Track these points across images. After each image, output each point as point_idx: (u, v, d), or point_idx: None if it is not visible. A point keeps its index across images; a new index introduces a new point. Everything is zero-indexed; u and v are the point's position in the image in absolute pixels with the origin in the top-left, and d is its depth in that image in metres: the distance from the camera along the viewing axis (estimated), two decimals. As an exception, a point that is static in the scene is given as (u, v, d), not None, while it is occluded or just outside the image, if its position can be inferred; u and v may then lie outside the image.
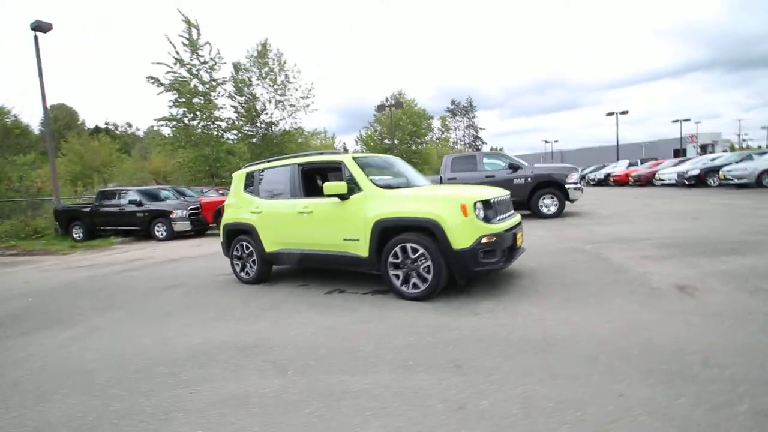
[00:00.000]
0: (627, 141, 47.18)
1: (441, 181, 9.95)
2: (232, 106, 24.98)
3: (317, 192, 4.73)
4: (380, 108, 33.59)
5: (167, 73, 19.99)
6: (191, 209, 11.58)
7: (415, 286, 3.72)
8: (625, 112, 38.15)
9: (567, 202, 9.58)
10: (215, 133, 21.94)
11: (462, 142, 64.09)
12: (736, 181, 13.42)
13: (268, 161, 5.16)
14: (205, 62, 20.80)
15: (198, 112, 20.65)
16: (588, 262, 4.85)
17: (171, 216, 11.30)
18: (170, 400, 2.28)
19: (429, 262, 3.60)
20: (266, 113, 26.58)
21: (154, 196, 12.41)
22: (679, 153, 36.51)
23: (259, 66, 25.98)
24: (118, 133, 58.78)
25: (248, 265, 5.03)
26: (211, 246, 9.38)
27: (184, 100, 20.12)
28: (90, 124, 56.49)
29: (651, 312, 3.03)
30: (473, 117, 67.23)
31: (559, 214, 9.45)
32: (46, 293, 5.50)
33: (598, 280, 4.01)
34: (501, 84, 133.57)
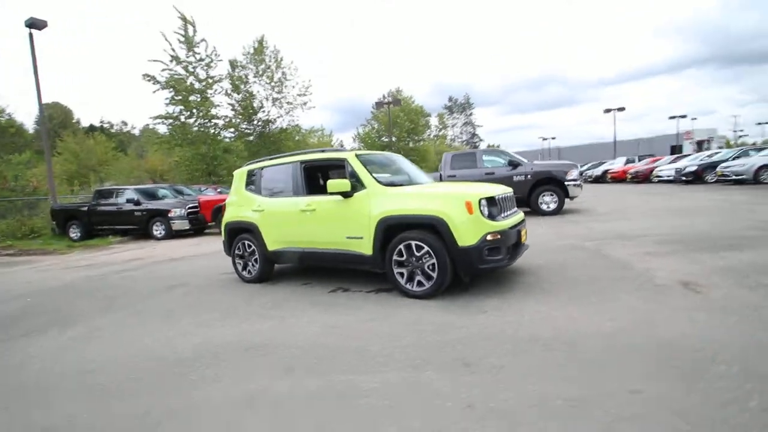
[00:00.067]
0: (623, 137, 47.36)
1: (441, 179, 9.93)
2: (229, 104, 24.88)
3: (320, 190, 4.70)
4: (378, 105, 33.53)
5: (163, 70, 19.90)
6: (190, 208, 11.53)
7: (419, 283, 3.71)
8: (621, 109, 38.29)
9: (567, 199, 9.59)
10: (212, 131, 21.83)
11: (459, 139, 64.12)
12: (733, 177, 13.48)
13: (270, 159, 5.13)
14: (201, 60, 20.67)
15: (194, 110, 20.53)
16: (590, 258, 4.85)
17: (169, 215, 11.25)
18: (179, 401, 2.26)
19: (434, 260, 3.59)
20: (263, 111, 26.48)
21: (152, 195, 12.34)
22: (676, 149, 36.64)
23: (255, 63, 25.86)
24: (113, 131, 58.38)
25: (250, 263, 5.00)
26: (211, 245, 9.35)
27: (180, 97, 20.00)
28: (85, 123, 56.09)
29: (657, 308, 3.03)
30: (470, 114, 67.32)
31: (559, 211, 9.46)
32: (45, 293, 5.46)
33: (602, 276, 4.01)
34: (498, 81, 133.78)
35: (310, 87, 26.48)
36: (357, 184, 4.09)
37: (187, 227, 11.44)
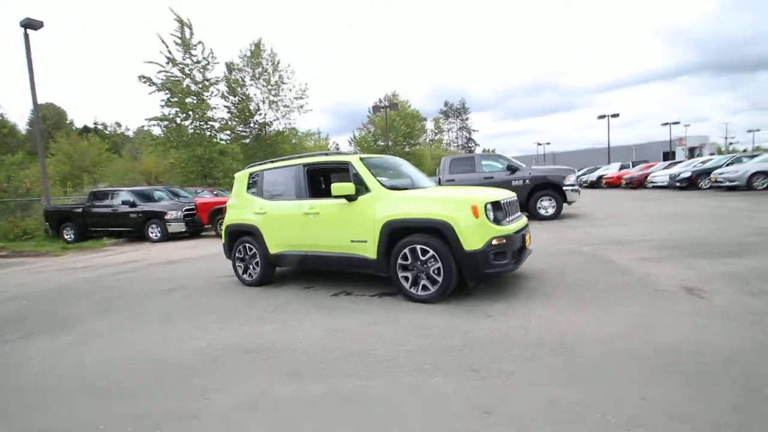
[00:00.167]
0: (617, 143, 47.78)
1: (439, 183, 9.95)
2: (225, 107, 24.80)
3: (323, 193, 4.68)
4: (375, 109, 33.60)
5: (159, 72, 19.77)
6: (186, 210, 11.44)
7: (424, 288, 3.69)
8: (616, 115, 38.69)
9: (564, 204, 9.64)
10: (208, 133, 21.71)
11: (455, 144, 64.36)
12: (727, 183, 13.65)
13: (272, 162, 5.10)
14: (198, 62, 20.59)
15: (190, 112, 20.43)
16: (590, 263, 4.87)
17: (165, 217, 11.15)
18: (181, 406, 2.22)
19: (439, 264, 3.58)
20: (260, 114, 26.43)
21: (147, 197, 12.23)
22: (669, 155, 37.07)
23: (252, 66, 25.83)
24: (107, 133, 57.90)
25: (251, 266, 4.96)
26: (208, 247, 9.27)
27: (176, 99, 19.88)
28: (78, 124, 55.60)
29: (661, 314, 3.04)
30: (466, 119, 67.66)
31: (557, 215, 9.51)
32: (41, 296, 5.37)
33: (604, 281, 4.02)
34: (493, 86, 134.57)
35: (306, 90, 26.53)
36: (361, 188, 4.08)
37: (183, 230, 11.34)
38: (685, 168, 17.26)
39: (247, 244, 4.95)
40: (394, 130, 38.04)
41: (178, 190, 14.57)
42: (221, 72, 24.92)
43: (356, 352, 2.75)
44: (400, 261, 3.78)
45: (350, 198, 4.05)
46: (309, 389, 2.28)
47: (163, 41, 19.64)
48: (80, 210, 12.00)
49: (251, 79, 25.91)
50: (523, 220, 4.24)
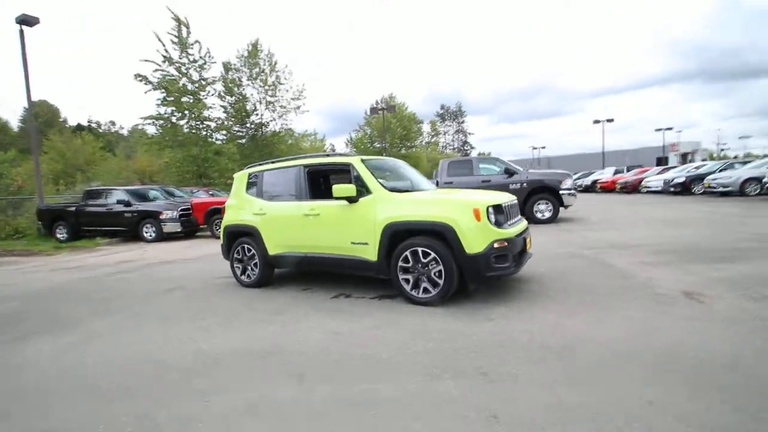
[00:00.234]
0: (611, 148, 48.21)
1: (437, 185, 9.95)
2: (222, 106, 24.69)
3: (323, 194, 4.66)
4: (372, 111, 33.65)
5: (155, 71, 19.64)
6: (182, 210, 11.34)
7: (425, 290, 3.68)
8: (610, 120, 39.08)
9: (561, 208, 9.69)
10: (204, 133, 21.58)
11: (451, 147, 64.55)
12: (720, 189, 13.81)
13: (272, 162, 5.07)
14: (194, 61, 20.48)
15: (186, 112, 20.30)
16: (590, 267, 4.89)
17: (161, 217, 11.04)
18: (185, 409, 2.18)
19: (440, 267, 3.57)
20: (256, 114, 26.35)
21: (142, 196, 12.11)
22: (662, 161, 37.45)
23: (249, 66, 25.77)
24: (101, 131, 57.37)
25: (249, 268, 4.91)
26: (203, 248, 9.20)
27: (172, 98, 19.75)
28: (72, 122, 55.05)
29: (664, 318, 3.06)
30: (462, 122, 67.92)
31: (554, 219, 9.55)
32: (36, 296, 5.28)
33: (605, 285, 4.03)
34: (489, 90, 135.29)
35: (304, 91, 26.50)
36: (362, 190, 4.06)
37: (179, 230, 11.24)
38: (678, 173, 17.44)
39: (246, 245, 4.91)
40: (390, 132, 38.10)
41: (174, 189, 14.46)
42: (218, 72, 24.79)
43: (359, 356, 2.73)
44: (401, 263, 3.76)
45: (351, 199, 4.03)
46: (312, 393, 2.26)
47: (159, 39, 19.53)
48: (74, 209, 11.86)
49: (248, 80, 25.86)
50: (524, 223, 4.25)
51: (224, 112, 24.90)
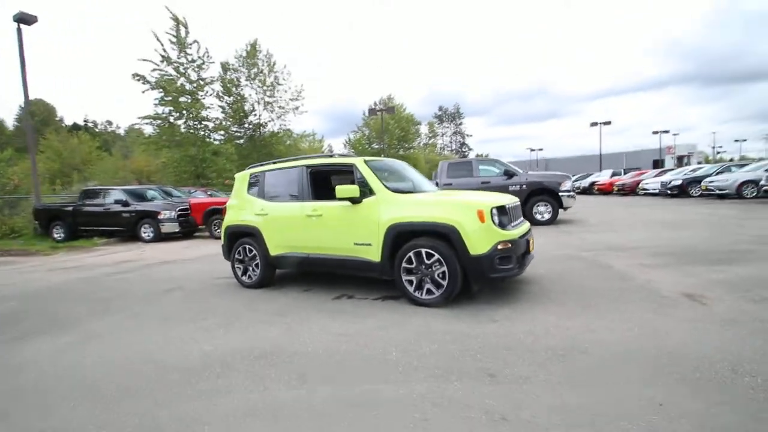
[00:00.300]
0: (608, 150, 48.42)
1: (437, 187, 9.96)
2: (220, 106, 24.63)
3: (326, 195, 4.65)
4: (372, 112, 33.67)
5: (153, 70, 19.58)
6: (180, 210, 11.29)
7: (429, 291, 3.68)
8: (608, 123, 39.24)
9: (560, 210, 9.72)
10: (202, 133, 21.51)
11: (449, 148, 64.65)
12: (717, 191, 13.90)
13: (274, 163, 5.05)
14: (193, 61, 20.43)
15: (184, 112, 20.23)
16: (590, 269, 4.90)
17: (159, 217, 10.99)
18: (190, 411, 2.16)
19: (444, 268, 3.57)
20: (254, 114, 26.30)
21: (140, 196, 12.05)
22: (659, 163, 37.67)
23: (248, 66, 25.73)
24: (97, 130, 57.08)
25: (251, 268, 4.89)
26: (202, 248, 9.16)
27: (170, 98, 19.68)
28: (68, 121, 54.75)
29: (666, 319, 3.07)
30: (460, 123, 68.06)
31: (553, 221, 9.58)
32: (34, 296, 5.23)
33: (606, 287, 4.04)
34: (487, 92, 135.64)
35: (302, 92, 26.49)
36: (366, 190, 4.06)
37: (177, 230, 11.19)
38: (676, 176, 17.54)
39: (247, 246, 4.89)
40: (388, 133, 38.13)
41: (171, 189, 14.39)
42: (216, 72, 24.74)
43: (367, 357, 2.72)
44: (404, 264, 3.76)
45: (354, 200, 4.02)
46: (320, 395, 2.24)
47: (158, 39, 19.49)
48: (71, 208, 11.78)
49: (246, 80, 25.82)
50: (526, 225, 4.25)
51: (222, 112, 24.85)
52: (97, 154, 33.92)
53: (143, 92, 19.66)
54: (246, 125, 26.45)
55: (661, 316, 3.16)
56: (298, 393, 2.29)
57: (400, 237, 3.79)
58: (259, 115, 26.55)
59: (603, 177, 25.95)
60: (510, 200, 4.06)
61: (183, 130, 20.60)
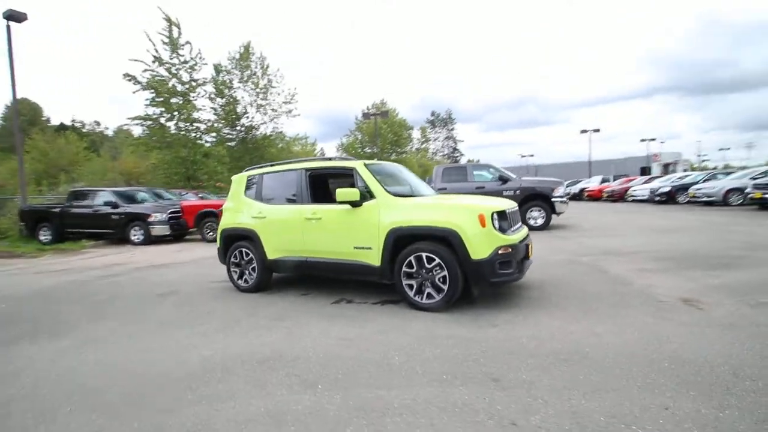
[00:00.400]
0: (596, 157, 49.12)
1: (432, 191, 9.98)
2: (212, 108, 24.42)
3: (324, 198, 4.63)
4: (365, 116, 33.73)
5: (145, 71, 19.35)
6: (171, 213, 11.14)
7: (429, 296, 3.67)
8: (597, 130, 39.91)
9: (553, 215, 9.81)
10: (193, 134, 21.29)
11: (441, 153, 64.98)
12: (704, 198, 14.18)
13: (272, 165, 5.01)
14: (185, 62, 20.25)
15: (176, 113, 20.01)
16: (589, 273, 4.94)
17: (149, 219, 10.82)
18: (194, 418, 2.11)
19: (445, 272, 3.57)
20: (247, 117, 26.15)
21: (130, 198, 11.86)
22: (646, 171, 38.30)
23: (241, 69, 25.60)
24: (84, 131, 56.12)
25: (247, 272, 4.83)
26: (195, 251, 9.04)
27: (161, 99, 19.46)
28: (55, 121, 53.75)
29: (667, 324, 3.10)
30: (452, 129, 68.48)
31: (546, 226, 9.66)
32: (23, 299, 5.10)
33: (606, 292, 4.08)
34: (479, 98, 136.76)
35: (295, 95, 26.43)
36: (366, 194, 4.04)
37: (168, 233, 11.03)
38: (664, 183, 17.87)
39: (244, 249, 4.83)
40: (381, 137, 38.22)
41: (162, 191, 14.20)
42: (209, 73, 24.55)
43: (369, 362, 2.69)
44: (405, 268, 3.75)
45: (355, 204, 4.01)
46: (328, 400, 2.21)
47: (150, 39, 19.28)
48: (58, 210, 11.54)
49: (239, 82, 25.67)
50: (525, 230, 4.28)
51: (214, 114, 24.64)
52: (84, 154, 33.33)
53: (134, 92, 19.42)
54: (238, 127, 26.27)
55: (662, 320, 3.19)
56: (302, 398, 2.25)
57: (401, 241, 3.78)
58: (252, 118, 26.42)
59: (593, 183, 26.33)
60: (509, 205, 4.08)
61: (173, 132, 20.35)
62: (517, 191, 9.72)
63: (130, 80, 19.21)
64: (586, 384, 2.23)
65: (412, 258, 3.71)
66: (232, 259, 4.95)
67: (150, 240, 10.81)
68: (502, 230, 3.65)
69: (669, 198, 16.51)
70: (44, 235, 11.43)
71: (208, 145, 22.78)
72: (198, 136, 21.70)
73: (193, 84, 20.72)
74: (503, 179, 10.00)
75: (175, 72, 19.95)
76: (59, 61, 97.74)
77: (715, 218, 10.54)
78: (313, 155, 36.54)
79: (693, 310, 3.41)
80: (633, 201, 19.42)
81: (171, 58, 19.85)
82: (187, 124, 20.63)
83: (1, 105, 51.61)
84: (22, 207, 12.06)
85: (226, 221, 5.07)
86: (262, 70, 25.87)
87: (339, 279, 4.87)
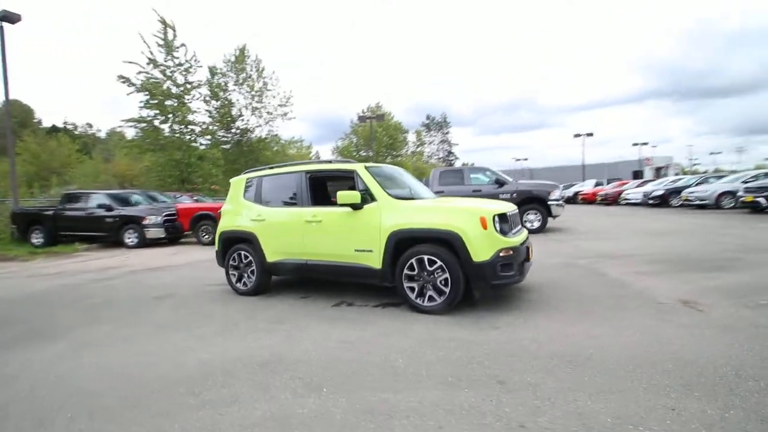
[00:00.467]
0: (590, 161, 49.54)
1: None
2: (207, 111, 24.30)
3: (323, 201, 4.61)
4: (361, 119, 33.77)
5: (139, 73, 19.22)
6: (166, 215, 11.05)
7: (431, 298, 3.66)
8: (590, 134, 40.30)
9: (549, 218, 9.86)
10: (188, 137, 21.15)
11: (436, 156, 65.14)
12: (697, 202, 14.36)
13: (271, 168, 4.99)
14: (180, 64, 20.14)
15: (170, 115, 19.88)
16: (586, 276, 4.97)
17: (143, 222, 10.72)
18: (197, 423, 2.08)
19: (447, 275, 3.56)
20: (242, 119, 26.05)
21: (124, 201, 11.75)
22: (638, 174, 38.71)
23: (236, 71, 25.53)
24: (77, 133, 55.58)
25: (246, 275, 4.79)
26: (190, 254, 8.97)
27: (156, 101, 19.33)
28: (46, 123, 53.16)
29: (666, 326, 3.12)
30: (447, 132, 68.68)
31: (542, 229, 9.71)
32: (15, 303, 5.02)
33: (604, 294, 4.10)
34: (474, 102, 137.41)
35: (291, 98, 26.40)
36: (367, 197, 4.04)
37: (163, 236, 10.94)
38: (657, 186, 18.08)
39: (243, 252, 4.79)
40: (376, 140, 38.27)
41: (157, 194, 14.08)
42: (204, 76, 24.44)
43: (373, 365, 2.68)
44: (406, 271, 3.74)
45: (355, 206, 4.00)
46: (333, 403, 2.19)
47: (144, 41, 19.18)
48: (51, 213, 11.40)
49: (235, 84, 25.59)
50: (525, 232, 4.30)
51: (209, 116, 24.51)
52: (76, 157, 32.99)
53: (128, 94, 19.25)
54: (233, 130, 26.16)
55: (661, 322, 3.21)
56: (307, 402, 2.23)
57: (402, 243, 3.78)
58: (247, 121, 26.33)
59: (586, 187, 26.54)
60: (509, 208, 4.10)
61: (167, 134, 20.20)
62: (514, 194, 9.76)
63: (124, 82, 19.07)
64: (591, 386, 2.24)
65: (413, 261, 3.70)
66: (231, 262, 4.91)
67: (144, 243, 10.71)
68: (503, 233, 3.66)
69: (662, 201, 16.70)
70: (36, 238, 11.27)
71: (202, 147, 22.65)
72: (193, 138, 21.58)
73: (188, 86, 20.62)
74: (500, 182, 10.05)
75: (170, 74, 19.85)
76: (51, 62, 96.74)
77: (708, 221, 10.67)
78: (308, 158, 36.50)
79: (692, 311, 3.44)
80: (626, 204, 19.60)
81: (166, 61, 19.76)
82: (182, 126, 20.51)
83: (-9, 106, 50.88)
84: (14, 209, 11.90)
85: (225, 224, 5.04)
86: (258, 73, 25.82)
87: (339, 282, 4.85)
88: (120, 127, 22.26)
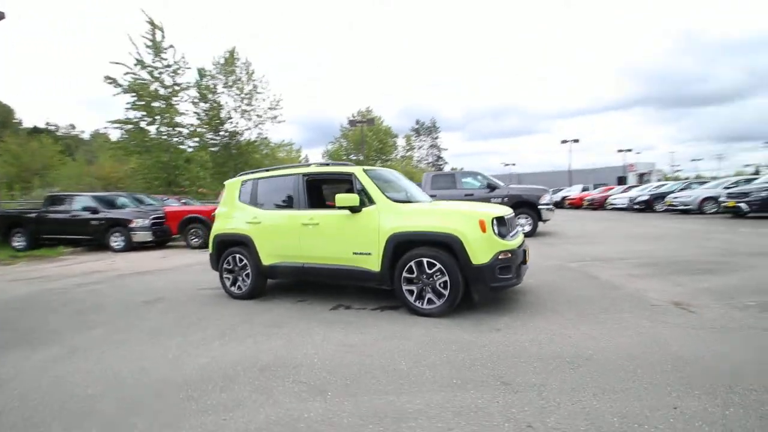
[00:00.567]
0: (576, 167, 50.42)
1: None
2: (195, 113, 24.00)
3: (320, 203, 4.59)
4: (352, 123, 33.78)
5: (126, 74, 18.92)
6: (154, 218, 10.84)
7: (430, 301, 3.67)
8: (576, 141, 41.03)
9: (540, 222, 9.99)
10: (175, 139, 20.85)
11: (426, 161, 65.50)
12: (681, 207, 14.72)
13: (267, 170, 4.95)
14: (168, 66, 19.89)
15: (158, 117, 19.58)
16: (579, 279, 5.04)
17: (130, 225, 10.49)
18: (200, 428, 2.04)
19: (446, 278, 3.57)
20: (231, 122, 25.81)
21: (110, 203, 11.49)
22: (623, 180, 39.54)
23: (225, 74, 25.30)
24: (59, 134, 54.32)
25: (240, 278, 4.73)
26: (179, 258, 8.81)
27: (143, 103, 19.03)
28: (27, 124, 51.87)
29: (661, 327, 3.18)
30: (436, 137, 69.19)
31: (533, 233, 9.82)
32: (2, 307, 4.85)
33: (598, 296, 4.16)
34: (462, 108, 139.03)
35: (280, 101, 26.27)
36: (365, 199, 4.03)
37: (150, 239, 10.72)
38: (642, 192, 18.48)
39: (238, 255, 4.73)
40: (366, 145, 38.31)
41: (143, 197, 13.82)
42: (193, 77, 24.17)
43: (377, 367, 2.66)
44: (405, 274, 3.74)
45: (354, 209, 3.99)
46: (339, 407, 2.17)
47: (132, 42, 18.91)
48: (34, 215, 11.08)
49: (224, 87, 25.35)
50: (522, 236, 4.34)
51: (198, 118, 24.21)
52: (59, 158, 32.21)
53: (115, 95, 18.93)
54: (222, 133, 25.88)
55: (656, 323, 3.27)
56: (312, 406, 2.20)
57: (401, 246, 3.78)
58: (236, 123, 26.08)
59: (574, 192, 26.98)
60: (507, 211, 4.14)
61: (154, 136, 19.88)
62: (505, 198, 9.87)
63: (111, 83, 18.75)
64: (594, 386, 2.26)
65: (412, 263, 3.70)
66: (225, 265, 4.84)
67: (131, 246, 10.48)
68: (501, 236, 3.69)
69: (647, 206, 17.08)
70: (18, 242, 10.95)
71: (190, 150, 22.34)
72: (180, 140, 21.29)
73: (176, 88, 20.36)
74: (491, 187, 10.15)
75: (158, 76, 19.58)
76: (32, 62, 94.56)
77: (692, 226, 10.94)
78: (298, 161, 36.26)
79: (685, 313, 3.51)
80: (613, 209, 19.98)
81: (154, 62, 19.50)
82: (170, 128, 20.22)
83: (-31, 106, 49.42)
84: (-6, 212, 11.53)
85: (219, 226, 4.97)
86: (248, 76, 25.64)
87: (335, 285, 4.82)
88: (105, 128, 21.82)
